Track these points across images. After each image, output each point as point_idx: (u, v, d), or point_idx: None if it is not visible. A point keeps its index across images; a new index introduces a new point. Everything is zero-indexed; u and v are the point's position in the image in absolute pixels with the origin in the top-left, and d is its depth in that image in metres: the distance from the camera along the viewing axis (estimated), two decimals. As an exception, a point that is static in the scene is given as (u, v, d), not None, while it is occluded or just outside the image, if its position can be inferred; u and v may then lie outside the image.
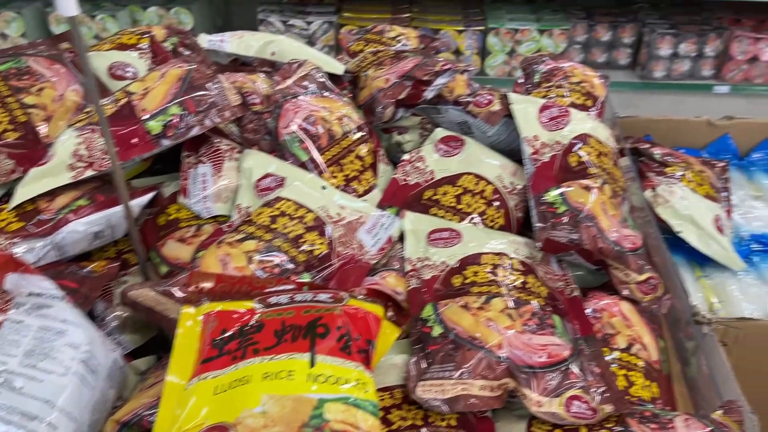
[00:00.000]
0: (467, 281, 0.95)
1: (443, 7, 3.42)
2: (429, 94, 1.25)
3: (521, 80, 1.47)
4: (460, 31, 3.23)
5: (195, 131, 1.02)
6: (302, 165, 1.09)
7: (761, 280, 1.34)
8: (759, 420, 0.89)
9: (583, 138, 1.11)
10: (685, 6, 3.43)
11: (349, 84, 1.34)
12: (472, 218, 1.09)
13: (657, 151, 1.51)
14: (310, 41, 3.25)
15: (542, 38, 3.25)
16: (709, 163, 1.57)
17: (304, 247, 0.95)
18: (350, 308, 0.81)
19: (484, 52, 3.30)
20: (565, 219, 1.01)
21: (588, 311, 0.99)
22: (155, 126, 1.00)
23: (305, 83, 1.16)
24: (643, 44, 3.33)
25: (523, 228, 1.14)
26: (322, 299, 0.82)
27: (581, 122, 1.14)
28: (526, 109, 1.15)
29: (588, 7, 3.48)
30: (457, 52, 3.28)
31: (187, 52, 1.33)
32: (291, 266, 0.93)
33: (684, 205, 1.36)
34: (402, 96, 1.23)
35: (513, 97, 1.17)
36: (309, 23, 3.23)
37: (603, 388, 0.84)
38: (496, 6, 3.46)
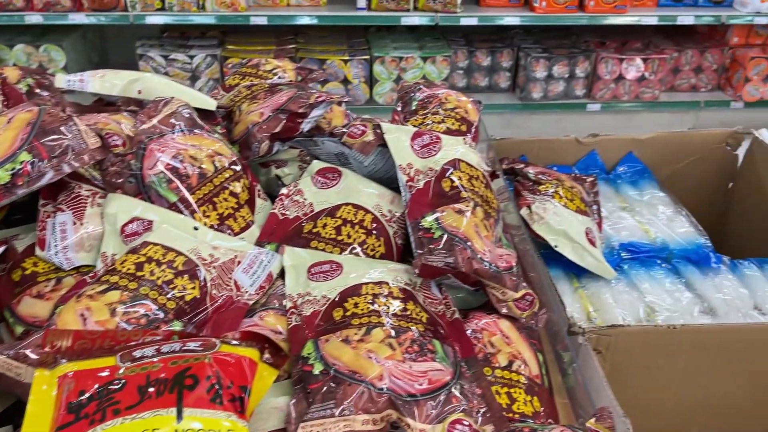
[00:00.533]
0: (348, 314, 0.94)
1: (328, 37, 3.46)
2: (305, 126, 1.25)
3: (399, 108, 1.50)
4: (347, 61, 3.28)
5: (49, 178, 0.96)
6: (172, 206, 1.04)
7: (631, 286, 1.42)
8: (633, 421, 0.94)
9: (455, 163, 1.14)
10: (555, 31, 3.66)
11: (222, 119, 1.31)
12: (353, 249, 1.09)
13: (531, 171, 1.58)
14: (194, 75, 3.18)
15: (426, 65, 3.35)
16: (580, 178, 1.67)
17: (174, 293, 0.91)
18: (222, 355, 0.77)
19: (371, 80, 3.36)
20: (441, 243, 1.03)
21: (469, 332, 1.01)
22: (2, 175, 0.93)
23: (172, 121, 1.12)
24: (520, 68, 3.52)
25: (405, 254, 1.15)
26: (192, 348, 0.78)
27: (452, 148, 1.17)
28: (398, 138, 1.16)
29: (467, 35, 3.64)
30: (345, 81, 3.32)
31: (45, 93, 1.25)
32: (160, 315, 0.88)
33: (557, 221, 1.42)
34: (277, 129, 1.21)
35: (386, 126, 1.19)
36: (191, 57, 3.16)
37: (484, 409, 0.86)
38: (381, 35, 3.55)
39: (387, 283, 1.00)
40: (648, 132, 1.79)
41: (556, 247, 1.40)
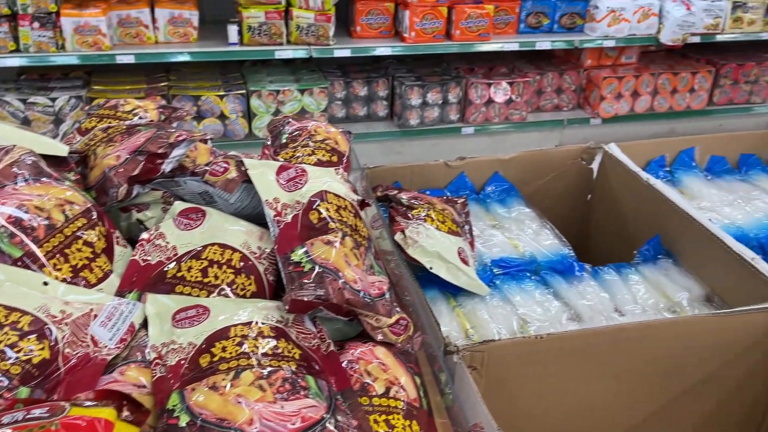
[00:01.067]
0: (215, 359, 0.91)
1: (202, 73, 3.40)
2: (167, 167, 1.21)
3: (269, 142, 1.49)
4: (222, 96, 3.22)
5: None
6: (17, 262, 0.97)
7: (505, 300, 1.48)
8: (512, 433, 0.97)
9: (322, 195, 1.14)
10: (427, 59, 3.81)
11: (77, 165, 1.24)
12: (222, 290, 1.06)
13: (404, 196, 1.62)
14: (58, 118, 3.00)
15: (304, 97, 3.36)
16: (451, 200, 1.73)
17: (19, 356, 0.83)
18: (71, 419, 0.72)
19: (250, 115, 3.32)
20: (311, 277, 1.02)
21: (345, 363, 1.00)
22: None
23: (14, 170, 1.05)
24: (396, 96, 3.63)
25: (279, 290, 1.13)
26: (37, 415, 0.72)
27: (319, 180, 1.18)
28: (263, 173, 1.15)
29: (343, 66, 3.71)
30: (223, 117, 3.26)
31: None
32: (3, 382, 0.80)
33: (431, 243, 1.46)
34: (136, 172, 1.17)
35: (249, 162, 1.17)
36: (53, 99, 2.99)
37: (360, 440, 0.85)
38: (256, 69, 3.53)
39: (257, 323, 0.97)
40: (518, 151, 1.90)
41: (431, 268, 1.44)
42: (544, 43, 3.65)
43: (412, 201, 1.60)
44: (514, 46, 3.62)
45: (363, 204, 1.33)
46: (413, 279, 1.36)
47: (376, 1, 3.42)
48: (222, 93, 3.22)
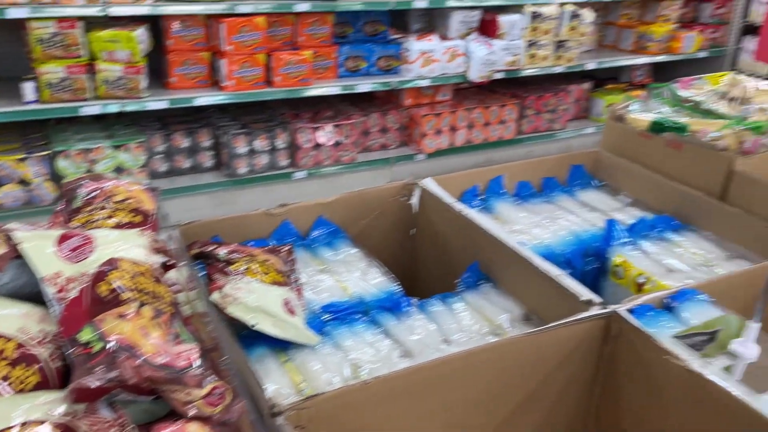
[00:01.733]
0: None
1: (-4, 136, 3.06)
2: None
3: (60, 208, 1.34)
4: (23, 159, 2.91)
5: None
6: None
7: (336, 347, 1.44)
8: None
9: (112, 263, 1.03)
10: (250, 106, 3.76)
11: None
12: (-5, 387, 0.90)
13: (222, 251, 1.53)
14: None
15: (119, 153, 3.15)
16: (275, 249, 1.67)
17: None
18: None
19: (57, 177, 3.03)
20: (102, 357, 0.90)
21: (151, 450, 0.89)
22: None
23: None
24: (222, 146, 3.52)
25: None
26: None
27: (110, 246, 1.07)
28: (39, 246, 1.02)
29: (161, 117, 3.54)
30: (23, 182, 2.94)
31: None
32: None
33: (253, 298, 1.39)
34: None
35: (20, 235, 1.03)
36: None
37: None
38: (62, 128, 3.25)
39: (37, 421, 0.84)
40: (351, 191, 1.89)
41: (255, 325, 1.36)
42: (364, 85, 3.77)
43: (232, 255, 1.52)
44: (336, 90, 3.69)
45: (168, 266, 1.23)
46: (234, 340, 1.28)
47: (190, 51, 3.32)
48: (22, 156, 2.91)
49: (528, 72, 4.28)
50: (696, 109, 2.11)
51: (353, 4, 3.60)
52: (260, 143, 3.51)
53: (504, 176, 2.11)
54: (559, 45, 4.32)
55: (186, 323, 1.12)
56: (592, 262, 1.86)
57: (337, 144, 3.75)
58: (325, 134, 3.70)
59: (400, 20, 4.29)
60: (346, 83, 3.72)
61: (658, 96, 2.20)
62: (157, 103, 3.17)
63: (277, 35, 3.53)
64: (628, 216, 2.02)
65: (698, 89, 2.18)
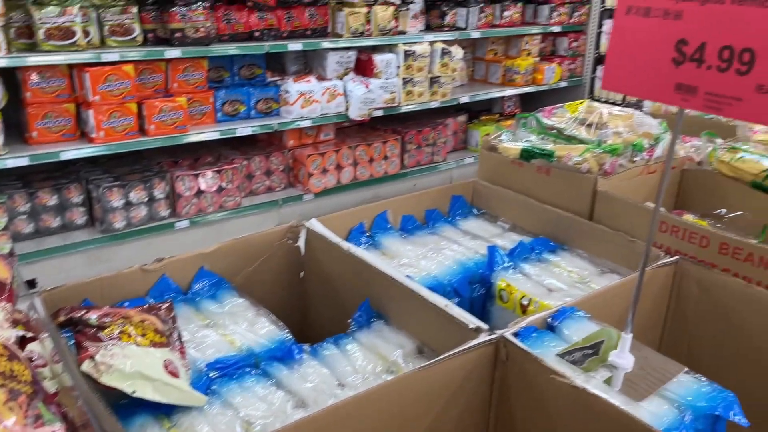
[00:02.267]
0: None
1: None
2: None
3: None
4: None
5: None
6: None
7: (226, 405, 1.36)
8: None
9: (-45, 344, 0.92)
10: (124, 158, 3.58)
11: None
12: None
13: (93, 316, 1.41)
14: None
15: (-25, 217, 2.87)
16: (154, 308, 1.57)
17: None
18: None
19: None
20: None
21: None
22: None
23: None
24: (94, 200, 3.31)
25: None
26: None
27: (-48, 325, 0.95)
28: None
29: (24, 175, 3.28)
30: None
31: None
32: None
33: (130, 364, 1.29)
34: None
35: None
36: None
37: None
38: None
39: None
40: (239, 236, 1.82)
41: (133, 393, 1.26)
42: (244, 129, 3.72)
43: (104, 319, 1.41)
44: (215, 135, 3.61)
45: (28, 339, 1.12)
46: (110, 412, 1.17)
47: (52, 103, 3.13)
48: None
49: (406, 108, 4.41)
50: (560, 135, 2.25)
51: (228, 49, 3.56)
52: (137, 195, 3.34)
53: (388, 211, 2.13)
54: (434, 81, 4.49)
55: (50, 401, 1.01)
56: (478, 289, 1.90)
57: (220, 190, 3.65)
58: (207, 180, 3.59)
59: (277, 63, 4.29)
60: (225, 128, 3.65)
61: (525, 125, 2.33)
62: (17, 159, 2.94)
63: (148, 83, 3.41)
64: (508, 241, 2.10)
65: (560, 117, 2.33)
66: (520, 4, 4.99)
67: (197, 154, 3.87)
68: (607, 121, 2.15)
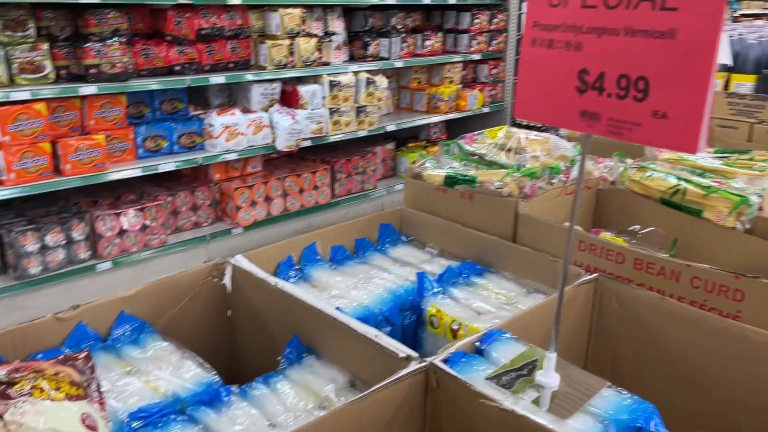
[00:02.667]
0: None
1: None
2: None
3: None
4: None
5: None
6: None
7: (150, 456, 1.30)
8: None
9: None
10: (37, 199, 3.41)
11: None
12: None
13: (2, 372, 1.32)
14: None
15: None
16: (70, 358, 1.48)
17: None
18: None
19: None
20: None
21: None
22: None
23: None
24: (6, 245, 3.14)
25: None
26: None
27: None
28: None
29: (-74, 223, 3.08)
30: None
31: None
32: None
33: (43, 420, 1.21)
34: None
35: None
36: None
37: None
38: None
39: None
40: (164, 275, 1.76)
41: (47, 452, 1.18)
42: (167, 165, 3.63)
43: (13, 375, 1.32)
44: (137, 172, 3.50)
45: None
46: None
47: (-43, 144, 2.96)
48: None
49: (334, 138, 4.43)
50: (481, 161, 2.31)
51: (147, 84, 3.48)
52: (53, 238, 3.18)
53: (317, 243, 2.12)
54: (360, 110, 4.54)
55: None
56: (409, 316, 1.91)
57: (144, 228, 3.53)
58: (129, 219, 3.47)
59: (200, 96, 4.23)
60: (147, 164, 3.55)
61: (448, 152, 2.38)
62: None
63: (62, 121, 3.29)
64: (436, 266, 2.12)
65: (481, 143, 2.40)
66: (440, 34, 5.14)
67: (118, 193, 3.74)
68: (525, 146, 2.22)
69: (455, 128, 5.57)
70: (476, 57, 5.34)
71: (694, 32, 1.02)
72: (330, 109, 4.36)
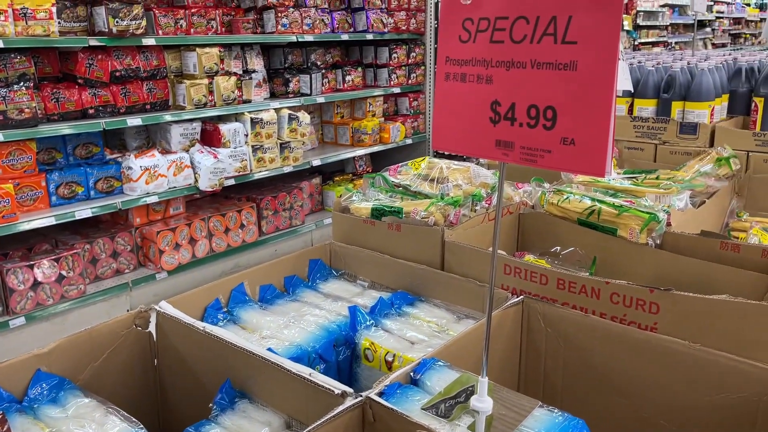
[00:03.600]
0: None
1: None
2: None
3: None
4: None
5: None
6: None
7: None
8: None
9: None
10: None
11: None
12: None
13: None
14: None
15: None
16: (-20, 425, 1.38)
17: None
18: None
19: None
20: None
21: None
22: None
23: None
24: None
25: None
26: None
27: None
28: None
29: None
30: None
31: None
32: None
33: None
34: None
35: None
36: None
37: None
38: None
39: None
40: (85, 327, 1.67)
41: None
42: (83, 211, 3.48)
43: None
44: (50, 221, 3.34)
45: None
46: None
47: None
48: None
49: (259, 175, 4.39)
50: (406, 192, 2.35)
51: (59, 129, 3.35)
52: (-41, 295, 2.97)
53: (245, 283, 2.08)
54: (284, 146, 4.53)
55: None
56: (344, 351, 1.89)
57: (60, 279, 3.36)
58: (44, 270, 3.29)
59: (117, 139, 4.11)
60: (61, 212, 3.40)
61: (373, 185, 2.41)
62: None
63: (-35, 170, 3.10)
64: (368, 299, 2.12)
65: (405, 175, 2.44)
66: (360, 69, 5.23)
67: (31, 243, 3.55)
68: (447, 175, 2.28)
69: (380, 160, 5.65)
70: (396, 90, 5.46)
71: (593, 63, 1.09)
72: (253, 146, 4.33)
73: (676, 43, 12.75)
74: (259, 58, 4.59)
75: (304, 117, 4.64)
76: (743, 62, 2.83)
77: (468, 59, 1.27)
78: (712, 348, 1.56)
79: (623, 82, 2.59)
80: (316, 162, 4.83)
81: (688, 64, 2.75)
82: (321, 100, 4.86)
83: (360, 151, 5.21)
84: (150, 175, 3.78)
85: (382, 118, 5.45)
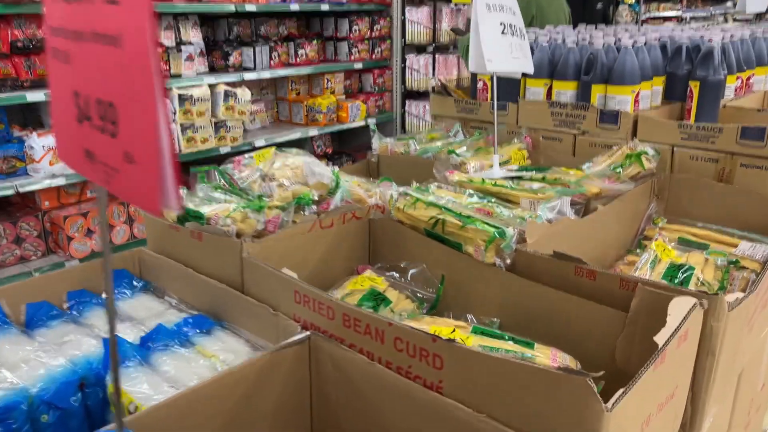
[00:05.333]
0: None
1: None
2: None
3: None
4: None
5: None
6: None
7: None
8: None
9: None
10: None
11: None
12: None
13: None
14: None
15: None
16: None
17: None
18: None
19: None
20: None
21: None
22: None
23: None
24: None
25: None
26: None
27: None
28: None
29: None
30: None
31: None
32: None
33: None
34: None
35: None
36: None
37: None
38: None
39: None
40: None
41: None
42: (-31, 195, 3.23)
43: None
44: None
45: None
46: None
47: None
48: None
49: (190, 156, 4.06)
50: (241, 192, 1.97)
51: (-62, 105, 3.08)
52: None
53: (2, 303, 1.75)
54: (219, 126, 4.19)
55: None
56: (98, 393, 1.55)
57: (-63, 269, 3.12)
58: None
59: (33, 115, 3.84)
60: (-59, 196, 3.15)
61: (203, 179, 2.03)
62: None
63: None
64: (174, 319, 1.77)
65: (249, 168, 2.05)
66: (315, 42, 4.81)
67: None
68: (273, 172, 1.89)
69: (346, 141, 5.25)
70: (359, 66, 5.02)
71: (134, 35, 0.69)
72: (182, 125, 4.00)
73: (691, 18, 11.47)
74: (197, 30, 4.23)
75: (244, 93, 4.27)
76: (684, 39, 2.30)
77: (57, 27, 0.88)
78: (501, 418, 1.16)
79: (524, 63, 2.11)
80: (260, 143, 4.48)
81: (617, 41, 2.25)
82: (267, 75, 4.48)
83: (313, 131, 4.82)
84: (55, 155, 3.50)
85: (343, 96, 5.03)
